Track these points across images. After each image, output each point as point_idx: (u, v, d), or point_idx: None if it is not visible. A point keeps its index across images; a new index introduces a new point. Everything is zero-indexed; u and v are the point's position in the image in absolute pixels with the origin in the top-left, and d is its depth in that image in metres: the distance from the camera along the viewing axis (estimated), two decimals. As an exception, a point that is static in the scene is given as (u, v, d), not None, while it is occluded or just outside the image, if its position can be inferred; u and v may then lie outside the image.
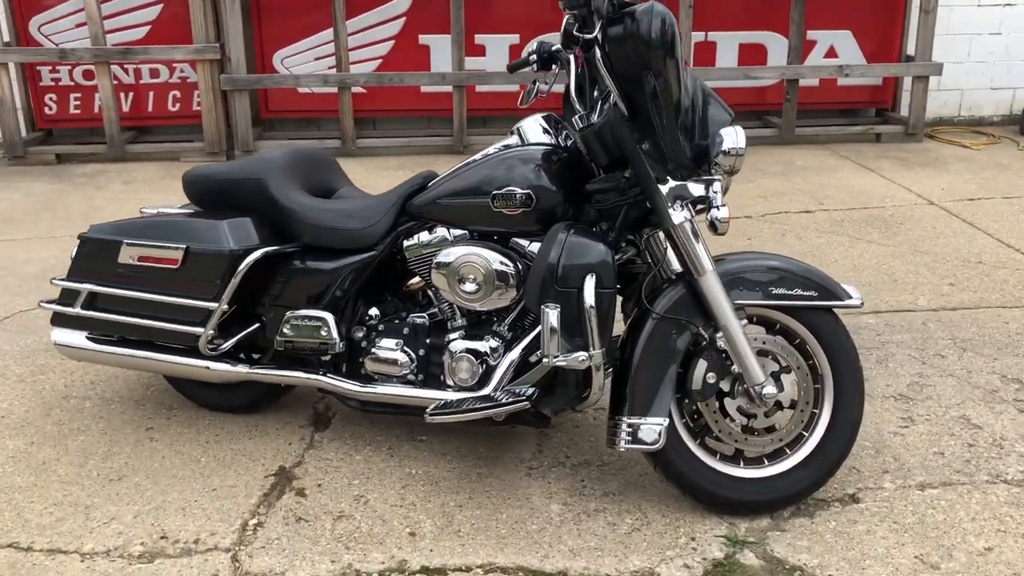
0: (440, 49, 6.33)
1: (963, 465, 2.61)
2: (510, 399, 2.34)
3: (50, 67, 6.28)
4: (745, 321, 2.32)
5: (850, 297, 2.37)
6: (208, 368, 2.64)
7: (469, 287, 2.41)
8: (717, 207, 2.22)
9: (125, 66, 6.31)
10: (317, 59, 6.35)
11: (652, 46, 2.09)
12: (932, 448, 2.70)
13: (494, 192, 2.38)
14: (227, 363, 2.65)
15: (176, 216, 2.68)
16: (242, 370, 2.65)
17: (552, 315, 2.19)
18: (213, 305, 2.53)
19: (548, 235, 2.27)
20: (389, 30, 6.41)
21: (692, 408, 2.37)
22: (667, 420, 2.29)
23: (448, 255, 2.43)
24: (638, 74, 2.13)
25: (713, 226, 2.22)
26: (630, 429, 2.29)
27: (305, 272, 2.60)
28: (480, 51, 6.50)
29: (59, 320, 2.73)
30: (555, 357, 2.20)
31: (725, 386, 2.35)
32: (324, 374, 2.59)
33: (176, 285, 2.56)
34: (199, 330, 2.56)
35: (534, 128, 2.51)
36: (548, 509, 2.43)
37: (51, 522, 2.38)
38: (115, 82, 6.24)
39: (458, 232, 2.49)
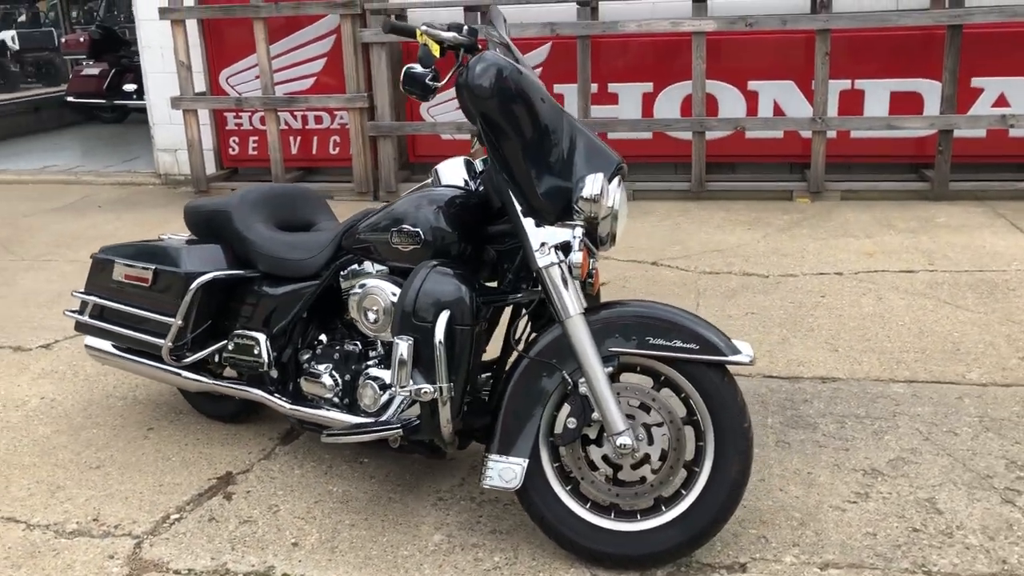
0: (575, 97, 6.49)
1: (890, 550, 2.37)
2: (388, 427, 2.46)
3: (233, 113, 7.13)
4: (610, 369, 2.27)
5: (737, 353, 2.26)
6: (181, 377, 2.97)
7: (372, 317, 2.56)
8: (574, 252, 2.23)
9: (294, 112, 7.03)
10: (456, 108, 6.71)
11: (478, 96, 2.16)
12: (867, 528, 2.47)
13: (393, 229, 2.51)
14: (197, 374, 2.96)
15: (167, 242, 3.05)
16: (207, 381, 2.95)
17: (403, 347, 2.29)
18: (171, 320, 2.86)
19: (413, 272, 2.37)
20: (526, 80, 6.66)
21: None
22: (527, 461, 2.30)
23: (358, 288, 2.59)
24: (474, 121, 2.20)
25: (570, 270, 2.23)
26: (493, 467, 2.33)
27: (256, 295, 2.86)
28: (613, 99, 6.59)
29: (79, 327, 3.18)
30: (402, 387, 2.30)
31: (592, 434, 2.32)
32: (264, 391, 2.83)
33: (147, 301, 2.93)
34: (161, 341, 2.89)
35: (451, 170, 2.61)
36: (429, 538, 2.50)
37: (22, 496, 2.78)
38: (285, 127, 6.98)
39: (380, 267, 2.65)
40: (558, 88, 6.60)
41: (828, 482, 2.70)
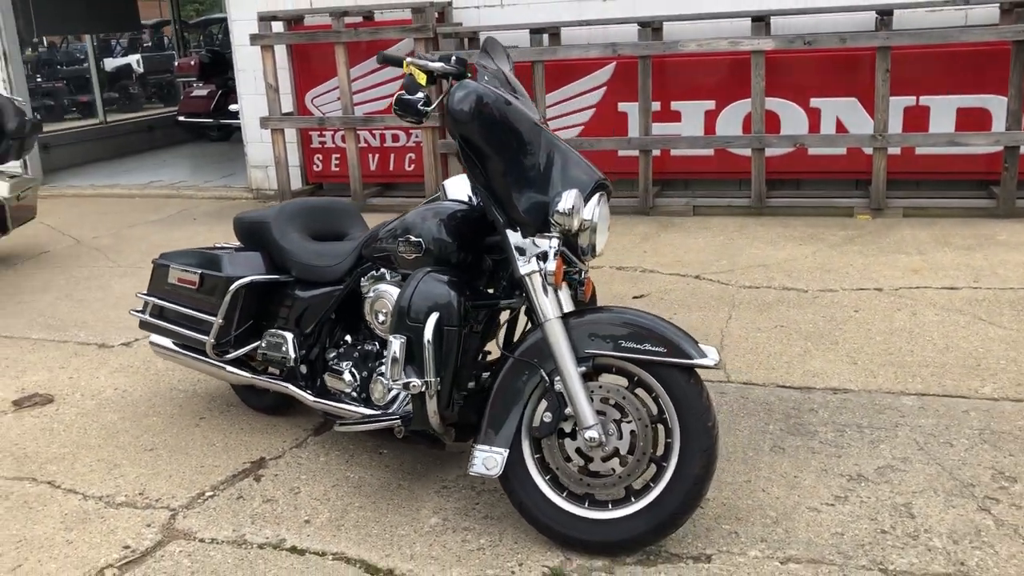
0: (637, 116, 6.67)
1: (853, 548, 2.48)
2: (390, 418, 2.72)
3: (317, 132, 7.59)
4: (583, 369, 2.47)
5: (703, 357, 2.43)
6: (225, 371, 3.31)
7: (380, 318, 2.83)
8: (549, 261, 2.45)
9: (373, 131, 7.43)
10: (525, 125, 6.97)
11: (457, 120, 2.41)
12: (836, 528, 2.58)
13: (400, 239, 2.78)
14: (239, 369, 3.29)
15: (216, 249, 3.40)
16: (246, 375, 3.28)
17: (396, 344, 2.55)
18: (213, 319, 3.19)
19: (410, 277, 2.63)
20: (591, 99, 6.88)
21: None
22: (507, 451, 2.52)
23: (372, 292, 2.87)
24: (456, 140, 2.44)
25: (544, 278, 2.45)
26: (478, 455, 2.56)
27: (289, 298, 3.17)
28: (676, 117, 6.73)
29: (142, 326, 3.57)
30: (395, 381, 2.55)
31: (568, 428, 2.52)
32: (294, 385, 3.13)
33: (195, 302, 3.27)
34: (206, 338, 3.23)
35: (457, 186, 2.86)
36: (426, 521, 2.74)
37: (84, 471, 3.16)
38: (364, 145, 7.39)
39: (394, 273, 2.92)
40: (622, 107, 6.79)
41: (811, 485, 2.82)
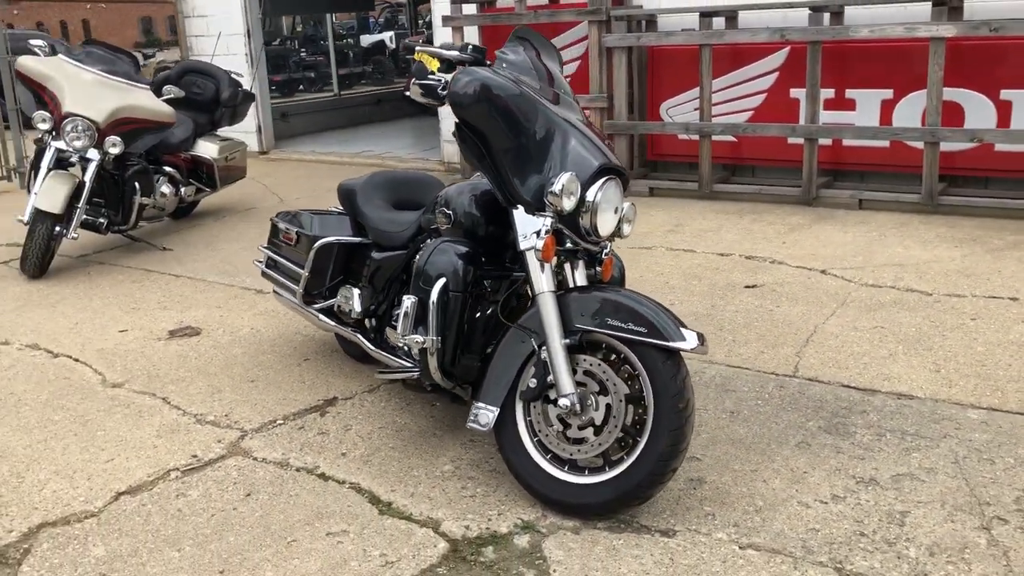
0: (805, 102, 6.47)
1: (819, 545, 2.48)
2: (410, 370, 3.01)
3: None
4: (568, 341, 2.63)
5: (680, 340, 2.52)
6: (315, 318, 3.74)
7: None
8: (539, 238, 2.62)
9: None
10: (695, 109, 6.96)
11: (455, 103, 2.62)
12: (815, 525, 2.58)
13: (438, 210, 3.04)
14: (327, 317, 3.71)
15: (319, 212, 3.83)
16: (330, 323, 3.69)
17: (407, 304, 2.83)
18: (301, 271, 3.63)
19: (428, 244, 2.89)
20: (762, 84, 6.75)
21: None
22: (498, 410, 2.74)
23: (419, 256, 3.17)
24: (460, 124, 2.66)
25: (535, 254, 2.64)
26: (475, 411, 2.79)
27: (367, 259, 3.53)
28: (850, 105, 6.46)
29: (263, 275, 4.08)
30: (404, 336, 2.83)
31: (553, 395, 2.69)
32: (362, 335, 3.49)
33: (293, 255, 3.72)
34: (297, 287, 3.68)
35: (498, 165, 3.07)
36: (441, 467, 3.01)
37: (193, 393, 3.72)
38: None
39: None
40: (794, 93, 6.61)
41: (816, 482, 2.80)
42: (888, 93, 6.29)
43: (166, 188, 6.32)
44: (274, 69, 13.50)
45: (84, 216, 5.66)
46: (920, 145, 6.07)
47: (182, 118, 6.54)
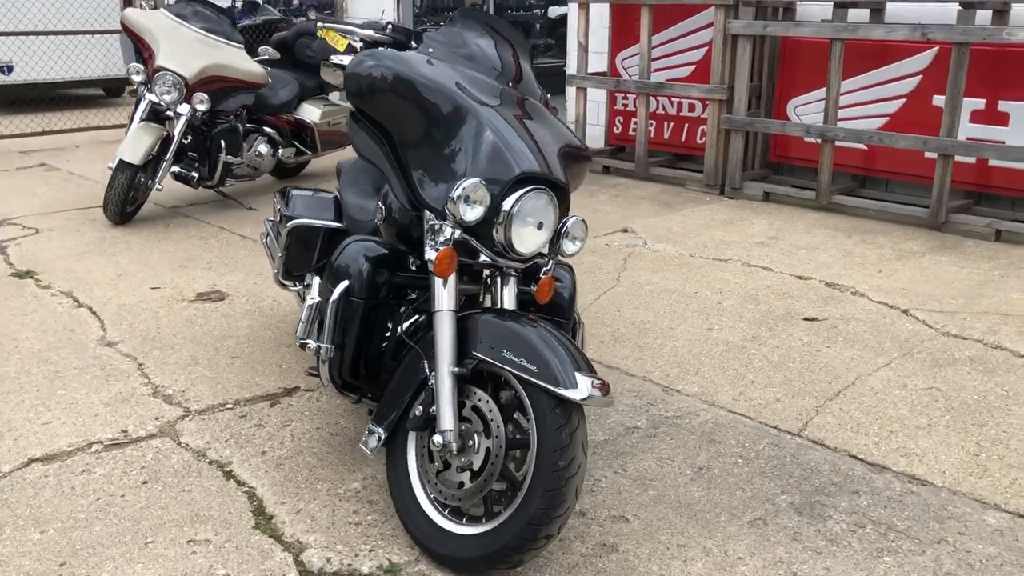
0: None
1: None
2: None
3: (621, 94, 7.53)
4: (458, 370, 2.29)
5: (572, 388, 2.14)
6: (297, 301, 3.58)
7: None
8: (435, 249, 2.30)
9: (671, 99, 7.18)
10: (818, 111, 6.26)
11: (348, 90, 2.31)
12: (711, 630, 2.14)
13: (378, 204, 2.77)
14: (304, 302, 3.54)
15: (316, 191, 3.64)
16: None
17: (308, 303, 2.58)
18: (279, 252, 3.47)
19: (341, 243, 2.62)
20: (902, 88, 5.95)
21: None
22: (385, 434, 2.45)
23: None
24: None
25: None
26: (368, 432, 2.52)
27: (335, 245, 3.31)
28: (1002, 120, 5.57)
29: (264, 247, 3.96)
30: (298, 337, 2.59)
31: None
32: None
33: (277, 234, 3.56)
34: (273, 267, 3.52)
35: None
36: (349, 484, 2.77)
37: (171, 362, 3.64)
38: (662, 112, 7.19)
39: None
40: (937, 100, 5.78)
41: (743, 572, 2.34)
42: (1049, 109, 5.38)
43: (263, 148, 6.37)
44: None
45: (178, 168, 5.81)
46: (1079, 173, 5.16)
47: (288, 79, 6.57)
